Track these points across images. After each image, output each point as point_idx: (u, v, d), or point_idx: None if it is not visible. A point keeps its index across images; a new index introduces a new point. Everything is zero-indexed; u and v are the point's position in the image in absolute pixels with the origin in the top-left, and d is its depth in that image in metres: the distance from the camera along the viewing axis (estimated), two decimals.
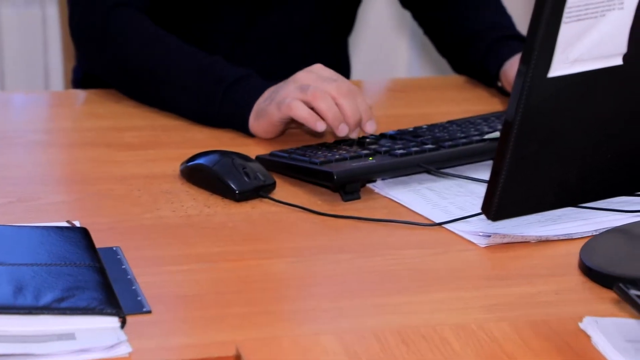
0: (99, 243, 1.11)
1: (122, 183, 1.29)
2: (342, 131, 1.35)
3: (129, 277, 1.07)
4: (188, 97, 1.47)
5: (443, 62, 1.72)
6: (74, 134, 1.47)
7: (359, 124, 1.36)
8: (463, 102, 1.59)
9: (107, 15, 1.52)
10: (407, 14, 1.77)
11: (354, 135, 1.36)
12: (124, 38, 1.51)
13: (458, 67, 1.69)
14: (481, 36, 1.62)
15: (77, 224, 1.17)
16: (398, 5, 1.76)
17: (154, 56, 1.49)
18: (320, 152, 1.31)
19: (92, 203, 1.25)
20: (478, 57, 1.61)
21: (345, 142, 1.36)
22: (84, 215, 1.20)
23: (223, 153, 1.30)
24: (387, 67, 2.71)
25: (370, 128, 1.36)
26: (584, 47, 1.03)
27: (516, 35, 1.62)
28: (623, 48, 1.05)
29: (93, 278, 1.02)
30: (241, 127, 1.44)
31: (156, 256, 1.13)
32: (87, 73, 1.73)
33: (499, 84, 1.59)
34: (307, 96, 1.35)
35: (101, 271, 1.04)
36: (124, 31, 1.51)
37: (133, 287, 1.04)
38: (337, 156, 1.28)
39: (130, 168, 1.34)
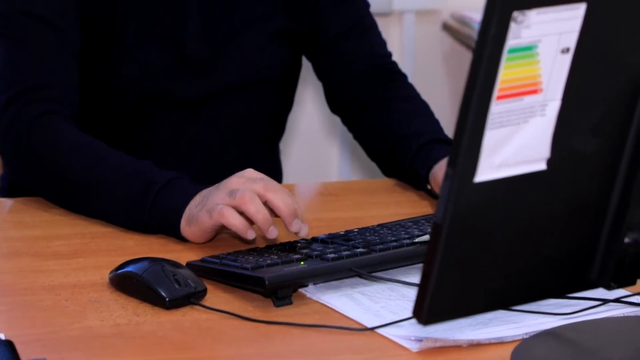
0: (25, 355, 1.08)
1: (50, 293, 1.27)
2: (272, 234, 1.35)
3: None
4: (118, 204, 1.45)
5: (373, 166, 1.74)
6: (1, 244, 1.45)
7: (298, 215, 1.35)
8: (393, 205, 1.60)
9: (32, 125, 1.51)
10: (337, 119, 1.79)
11: (297, 229, 1.34)
12: (50, 148, 1.50)
13: (388, 170, 1.70)
14: (410, 140, 1.64)
15: (2, 336, 1.14)
16: (328, 110, 1.78)
17: (81, 165, 1.48)
18: (251, 258, 1.30)
19: (18, 314, 1.22)
20: (407, 160, 1.63)
21: (276, 246, 1.36)
22: (10, 327, 1.17)
23: (153, 260, 1.28)
24: (318, 171, 2.73)
25: (296, 227, 1.36)
26: (508, 152, 1.05)
27: (444, 139, 1.64)
28: (546, 153, 1.07)
29: None
30: (172, 232, 1.43)
31: None
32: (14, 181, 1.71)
33: (429, 186, 1.61)
34: (235, 201, 1.35)
35: None
36: (50, 141, 1.50)
37: None
38: (268, 261, 1.28)
39: (58, 277, 1.31)
